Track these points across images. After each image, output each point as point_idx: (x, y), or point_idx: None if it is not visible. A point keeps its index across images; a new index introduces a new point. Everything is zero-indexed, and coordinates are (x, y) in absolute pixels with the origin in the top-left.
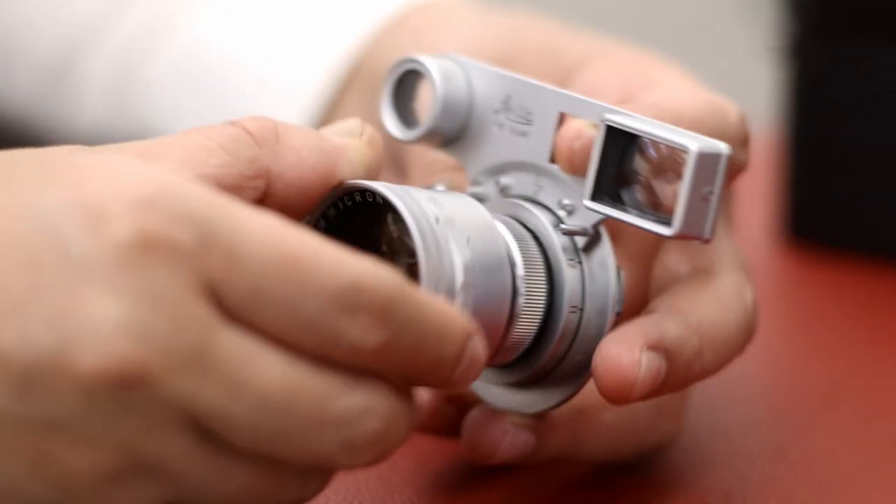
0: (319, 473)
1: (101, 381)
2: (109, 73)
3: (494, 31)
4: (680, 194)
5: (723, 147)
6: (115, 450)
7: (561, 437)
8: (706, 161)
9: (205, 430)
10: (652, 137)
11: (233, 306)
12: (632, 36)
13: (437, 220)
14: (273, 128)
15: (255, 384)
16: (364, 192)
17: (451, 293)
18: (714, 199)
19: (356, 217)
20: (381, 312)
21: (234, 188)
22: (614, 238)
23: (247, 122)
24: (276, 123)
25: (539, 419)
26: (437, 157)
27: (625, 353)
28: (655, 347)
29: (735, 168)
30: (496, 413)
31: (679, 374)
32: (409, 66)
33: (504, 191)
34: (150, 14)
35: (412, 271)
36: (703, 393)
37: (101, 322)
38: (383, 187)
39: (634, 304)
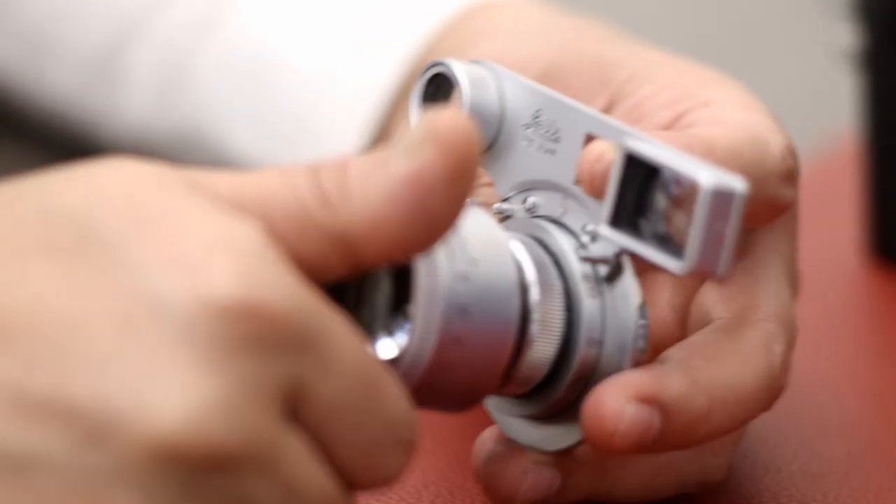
0: None
1: (175, 451)
2: (155, 69)
3: (549, 37)
4: (690, 231)
5: (738, 185)
6: None
7: (589, 475)
8: (720, 198)
9: None
10: (664, 168)
11: (309, 413)
12: (707, 43)
13: (449, 258)
14: (342, 185)
15: (311, 490)
16: None
17: (446, 309)
18: (728, 236)
19: None
20: (412, 454)
21: (316, 257)
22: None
23: (323, 175)
24: (346, 177)
25: (564, 455)
26: None
27: (610, 401)
28: (648, 401)
29: (777, 206)
30: (515, 449)
31: (678, 432)
32: (439, 69)
33: (531, 209)
34: (197, 7)
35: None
36: (792, 427)
37: (188, 394)
38: None
39: (676, 339)
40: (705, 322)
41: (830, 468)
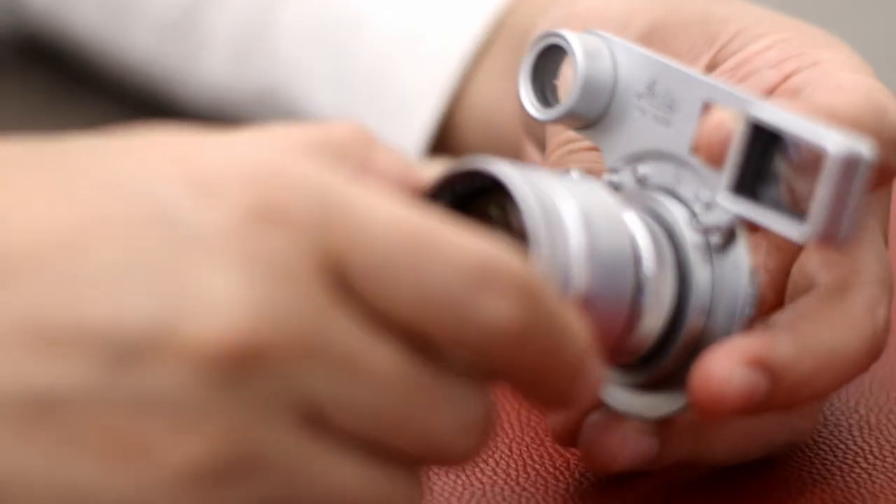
0: (424, 469)
1: (213, 356)
2: (234, 28)
3: None
4: (815, 197)
5: (866, 150)
6: (219, 439)
7: (685, 441)
8: (846, 164)
9: (316, 417)
10: (793, 137)
11: (356, 280)
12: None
13: (556, 207)
14: (365, 143)
15: (371, 364)
16: (480, 174)
17: (565, 284)
18: (853, 204)
19: (471, 201)
20: (518, 293)
21: None
22: (757, 229)
23: (336, 130)
24: (369, 139)
25: (662, 423)
26: (577, 136)
27: (720, 365)
28: (758, 364)
29: (887, 173)
30: (616, 418)
31: (784, 394)
32: (552, 40)
33: (642, 180)
34: None
35: None
36: (857, 382)
37: (214, 294)
38: (502, 168)
39: (770, 302)
40: (809, 287)
41: (888, 420)
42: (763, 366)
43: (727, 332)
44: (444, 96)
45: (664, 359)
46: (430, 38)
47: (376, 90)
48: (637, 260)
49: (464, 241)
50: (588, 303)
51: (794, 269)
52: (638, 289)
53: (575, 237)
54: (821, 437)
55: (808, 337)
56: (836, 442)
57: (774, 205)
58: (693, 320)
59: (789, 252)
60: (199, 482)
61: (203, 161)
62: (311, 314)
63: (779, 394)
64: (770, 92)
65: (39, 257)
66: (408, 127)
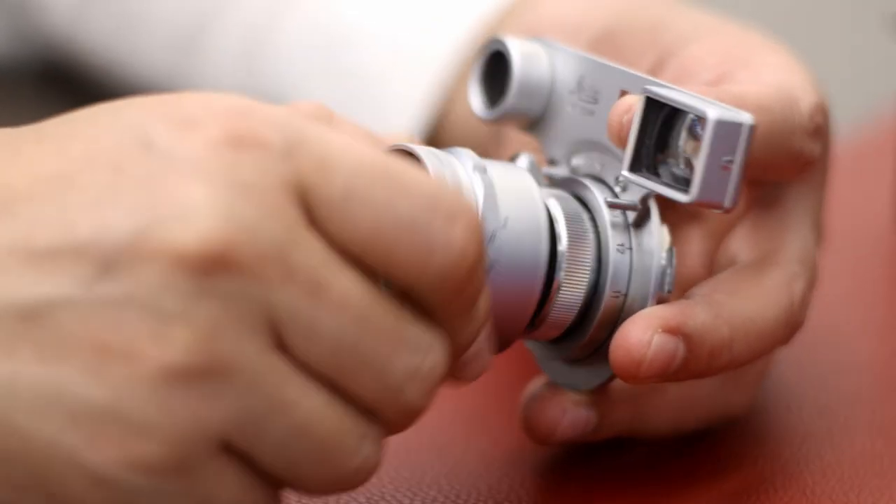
0: (380, 421)
1: (186, 260)
2: (238, 45)
3: (603, 4)
4: (697, 161)
5: (745, 117)
6: (191, 342)
7: (623, 413)
8: (725, 129)
9: (281, 339)
10: (679, 106)
11: (323, 208)
12: (755, 11)
13: (470, 182)
14: (327, 115)
15: (336, 290)
16: (406, 152)
17: None
18: (735, 168)
19: None
20: (470, 227)
21: None
22: (694, 216)
23: (301, 104)
24: (330, 112)
25: (599, 395)
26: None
27: (636, 331)
28: (673, 331)
29: (802, 160)
30: (555, 390)
31: (701, 361)
32: (495, 46)
33: (574, 170)
34: None
35: None
36: (808, 366)
37: (188, 206)
38: (424, 151)
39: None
40: (731, 265)
41: (839, 403)
42: (679, 332)
43: (643, 305)
44: (432, 107)
45: (586, 331)
46: (417, 52)
47: (367, 102)
48: (555, 237)
49: (422, 176)
50: (500, 269)
51: (720, 250)
52: (553, 264)
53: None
54: (757, 412)
55: (724, 307)
56: (771, 418)
57: (672, 177)
58: (608, 300)
59: (722, 236)
60: (171, 384)
61: (182, 103)
62: (278, 232)
63: (697, 360)
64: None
65: (31, 191)
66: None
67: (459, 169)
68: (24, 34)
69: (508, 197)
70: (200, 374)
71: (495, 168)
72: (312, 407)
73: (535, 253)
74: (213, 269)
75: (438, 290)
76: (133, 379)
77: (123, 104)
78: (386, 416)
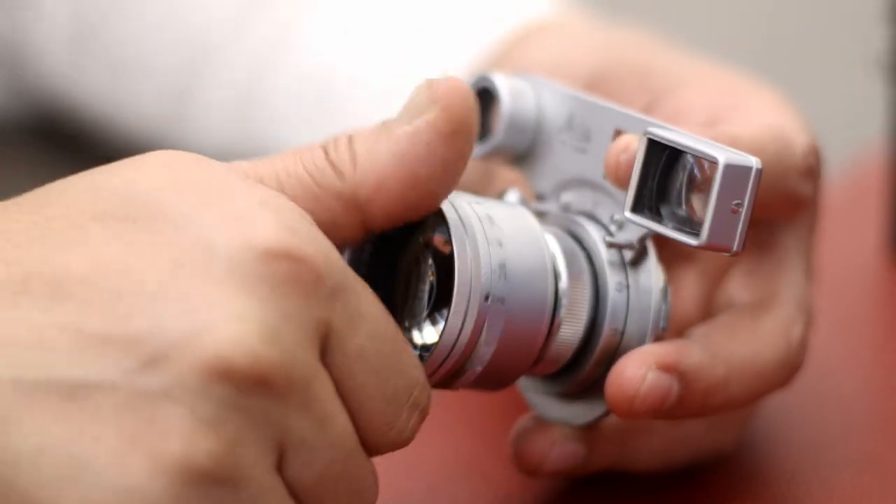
0: None
1: (229, 371)
2: (230, 93)
3: (592, 48)
4: (708, 205)
5: (753, 161)
6: (214, 447)
7: (611, 448)
8: (734, 173)
9: (282, 461)
10: (686, 150)
11: (336, 358)
12: (743, 54)
13: (484, 234)
14: (349, 152)
15: (338, 426)
16: None
17: (484, 295)
18: (744, 212)
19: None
20: (423, 416)
21: (327, 224)
22: (689, 257)
23: (330, 148)
24: (352, 145)
25: (588, 430)
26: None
27: (631, 367)
28: (668, 369)
29: (796, 200)
30: (544, 424)
31: (696, 399)
32: (482, 83)
33: (565, 207)
34: (268, 32)
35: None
36: (796, 402)
37: (238, 319)
38: (448, 205)
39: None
40: (729, 307)
41: (829, 439)
42: (674, 370)
43: (641, 343)
44: None
45: (584, 367)
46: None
47: None
48: (556, 275)
49: (414, 361)
50: (510, 312)
51: (717, 293)
52: (555, 302)
53: (495, 251)
54: (746, 449)
55: (721, 347)
56: (759, 455)
57: (676, 218)
58: (608, 331)
59: (716, 277)
60: (188, 484)
61: (245, 206)
62: (308, 363)
63: (691, 399)
64: None
65: (90, 275)
66: None
67: (470, 214)
68: (20, 88)
69: (515, 238)
70: (215, 481)
71: (498, 209)
72: None
73: (542, 293)
74: (251, 385)
75: (377, 452)
76: (154, 470)
77: (187, 187)
78: None
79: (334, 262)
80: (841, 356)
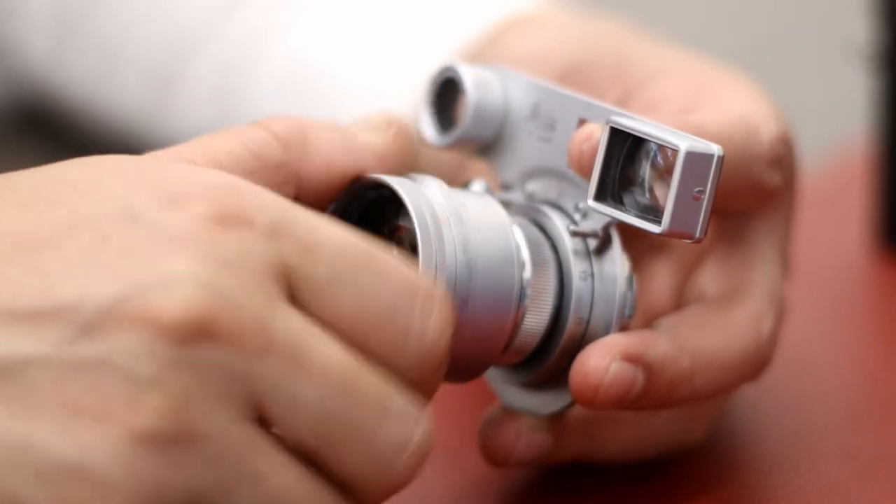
0: (359, 495)
1: (165, 327)
2: (213, 83)
3: (569, 40)
4: (669, 192)
5: (715, 148)
6: (162, 407)
7: (578, 438)
8: (696, 160)
9: (263, 410)
10: (647, 137)
11: (306, 290)
12: (724, 46)
13: (447, 217)
14: (301, 129)
15: (317, 358)
16: (383, 185)
17: (449, 286)
18: (706, 199)
19: (381, 209)
20: (442, 313)
21: None
22: (661, 248)
23: (274, 123)
24: (303, 124)
25: (555, 420)
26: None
27: (595, 357)
28: (632, 360)
29: (763, 190)
30: (511, 415)
31: (660, 391)
32: (447, 74)
33: (530, 196)
34: (252, 23)
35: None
36: (776, 394)
37: (169, 275)
38: (396, 182)
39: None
40: (700, 299)
41: (808, 430)
42: (638, 361)
43: (606, 332)
44: None
45: (549, 357)
46: (389, 94)
47: None
48: (521, 265)
49: (399, 265)
50: (476, 303)
51: (688, 285)
52: (519, 292)
53: (459, 244)
54: (723, 441)
55: (688, 339)
56: (737, 447)
57: (638, 206)
58: (573, 320)
59: (689, 268)
60: (139, 448)
61: (169, 176)
62: (258, 304)
63: (656, 390)
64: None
65: (11, 254)
66: None
67: (434, 200)
68: (2, 76)
69: (481, 228)
70: (169, 441)
71: (463, 197)
72: (284, 481)
73: (508, 284)
74: (192, 338)
75: (413, 373)
76: (102, 439)
77: (107, 171)
78: (369, 489)
79: (268, 201)
80: (822, 348)
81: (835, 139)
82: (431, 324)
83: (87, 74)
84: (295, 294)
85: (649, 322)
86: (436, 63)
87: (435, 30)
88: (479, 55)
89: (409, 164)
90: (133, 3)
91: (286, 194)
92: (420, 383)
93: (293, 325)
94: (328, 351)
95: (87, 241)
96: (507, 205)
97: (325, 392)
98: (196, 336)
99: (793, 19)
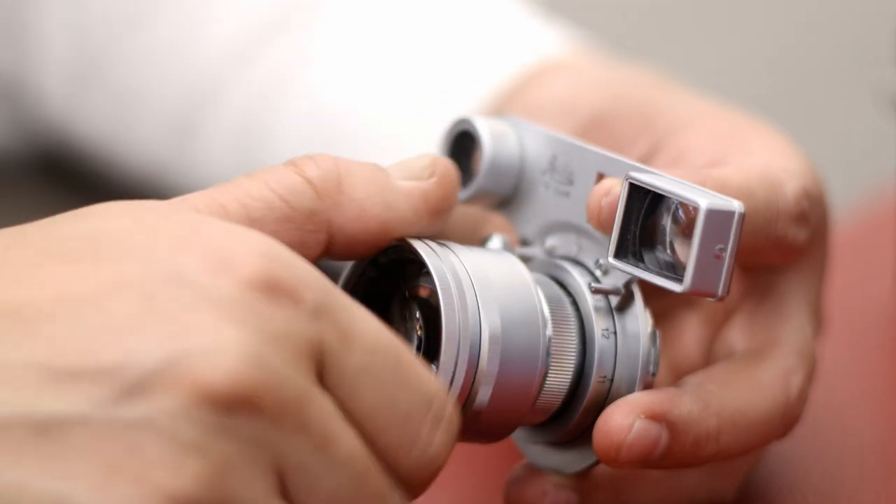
0: None
1: (211, 394)
2: (234, 130)
3: (598, 88)
4: (690, 250)
5: (736, 205)
6: (203, 474)
7: (605, 496)
8: (716, 217)
9: (283, 486)
10: (667, 194)
11: (335, 377)
12: (752, 93)
13: (471, 282)
14: (335, 175)
15: (343, 447)
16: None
17: (473, 351)
18: (727, 257)
19: (402, 265)
20: (451, 431)
21: (296, 244)
22: (689, 302)
23: (307, 166)
24: (338, 168)
25: (581, 478)
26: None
27: (618, 415)
28: (656, 418)
29: (787, 246)
30: (536, 473)
31: (685, 449)
32: (463, 126)
33: (550, 252)
34: (272, 70)
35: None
36: (810, 449)
37: (218, 342)
38: (422, 246)
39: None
40: (728, 355)
41: (840, 487)
42: (663, 419)
43: (630, 389)
44: None
45: (573, 416)
46: (417, 140)
47: None
48: (544, 323)
49: (422, 372)
50: (503, 366)
51: (717, 341)
52: (546, 350)
53: (486, 313)
54: (747, 498)
55: (714, 397)
56: (773, 498)
57: (660, 264)
58: (597, 378)
59: (718, 323)
60: None
61: (216, 239)
62: (299, 383)
63: (681, 449)
64: None
65: (57, 309)
66: None
67: (456, 263)
68: (21, 123)
69: (504, 288)
70: None
71: (485, 256)
72: None
73: (534, 344)
74: (236, 408)
75: (410, 477)
76: (138, 499)
77: (153, 228)
78: None
79: (314, 280)
80: (855, 402)
81: (865, 186)
82: (438, 436)
83: (105, 121)
84: (324, 377)
85: (678, 377)
86: (461, 107)
87: (462, 74)
88: (506, 102)
89: (451, 210)
90: (151, 50)
91: (317, 243)
92: (412, 486)
93: (325, 407)
94: (350, 441)
95: (132, 301)
96: (526, 260)
97: (341, 480)
98: (239, 406)
99: (822, 65)
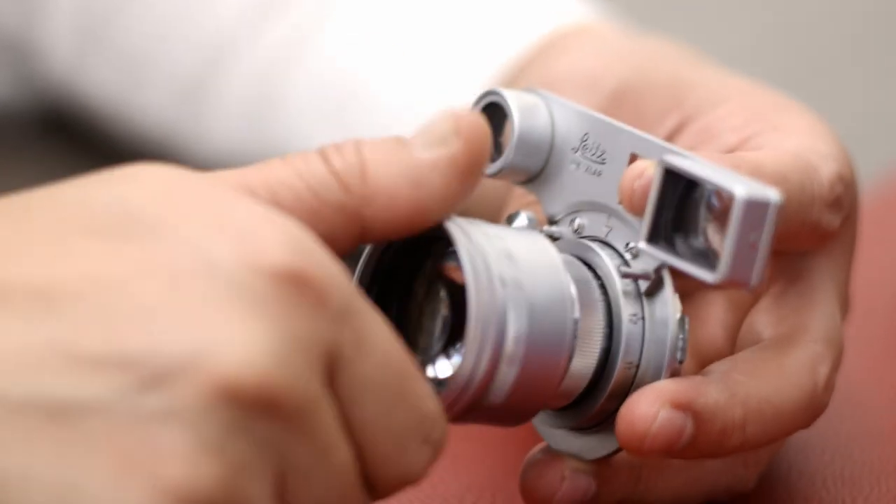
0: None
1: (235, 392)
2: (245, 94)
3: (622, 58)
4: (725, 240)
5: (773, 194)
6: (216, 473)
7: (623, 483)
8: (753, 207)
9: (282, 490)
10: (702, 180)
11: (342, 383)
12: (779, 69)
13: (499, 263)
14: (359, 164)
15: (336, 457)
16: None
17: (499, 338)
18: (762, 247)
19: (432, 240)
20: (440, 448)
21: (326, 235)
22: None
23: (333, 156)
24: (362, 155)
25: (601, 464)
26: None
27: (643, 404)
28: (682, 407)
29: (820, 231)
30: (555, 457)
31: (710, 440)
32: (491, 98)
33: (578, 231)
34: (286, 34)
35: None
36: (831, 437)
37: (245, 339)
38: (451, 224)
39: (726, 354)
40: (755, 341)
41: (863, 474)
42: (688, 409)
43: (656, 376)
44: None
45: (597, 401)
46: (430, 107)
47: None
48: (571, 304)
49: (424, 395)
50: (529, 348)
51: (744, 326)
52: (573, 332)
53: (511, 287)
54: (768, 485)
55: (740, 386)
56: (782, 492)
57: (692, 251)
58: (622, 364)
59: (745, 307)
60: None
61: (249, 224)
62: (315, 388)
63: (706, 439)
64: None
65: (79, 290)
66: None
67: (485, 243)
68: (28, 81)
69: (532, 268)
70: None
71: (512, 237)
72: None
73: (560, 326)
74: (258, 407)
75: (385, 489)
76: (153, 495)
77: (186, 206)
78: None
79: (342, 283)
80: (878, 387)
81: (882, 163)
82: (422, 456)
83: (112, 81)
84: (333, 380)
85: (703, 363)
86: (478, 74)
87: (479, 40)
88: (525, 69)
89: (484, 165)
90: (161, 10)
91: (350, 235)
92: (378, 494)
93: (332, 416)
94: (345, 450)
95: (160, 287)
96: (553, 239)
97: (330, 489)
98: (261, 406)
99: (847, 43)
